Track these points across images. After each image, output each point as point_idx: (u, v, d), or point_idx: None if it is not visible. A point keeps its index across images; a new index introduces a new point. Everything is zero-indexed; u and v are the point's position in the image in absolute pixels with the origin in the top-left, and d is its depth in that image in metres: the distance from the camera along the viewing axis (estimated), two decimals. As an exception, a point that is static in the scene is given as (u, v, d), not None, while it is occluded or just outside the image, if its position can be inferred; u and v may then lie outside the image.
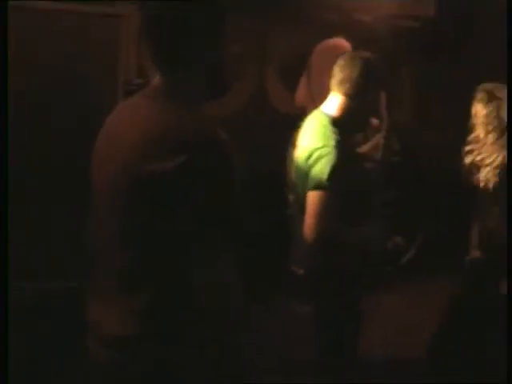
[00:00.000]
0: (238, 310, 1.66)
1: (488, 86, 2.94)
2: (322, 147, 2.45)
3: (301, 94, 3.75)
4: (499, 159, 2.88)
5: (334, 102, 2.60)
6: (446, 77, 4.77)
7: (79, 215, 1.86)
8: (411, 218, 3.88)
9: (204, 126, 1.56)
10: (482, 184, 2.94)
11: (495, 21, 4.75)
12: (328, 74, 2.65)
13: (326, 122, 2.56)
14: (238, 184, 1.58)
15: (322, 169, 2.42)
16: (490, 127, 2.89)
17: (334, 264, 2.60)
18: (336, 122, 2.55)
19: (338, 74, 2.60)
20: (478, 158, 2.95)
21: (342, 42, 3.50)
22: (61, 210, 3.36)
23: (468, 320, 2.98)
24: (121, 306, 1.56)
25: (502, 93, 2.87)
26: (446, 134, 3.07)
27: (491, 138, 2.90)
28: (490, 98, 2.88)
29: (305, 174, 2.49)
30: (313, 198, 2.43)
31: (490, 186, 2.92)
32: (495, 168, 2.89)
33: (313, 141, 2.52)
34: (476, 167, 2.97)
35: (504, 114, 2.85)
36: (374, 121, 3.02)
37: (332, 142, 2.46)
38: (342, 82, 2.57)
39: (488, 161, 2.90)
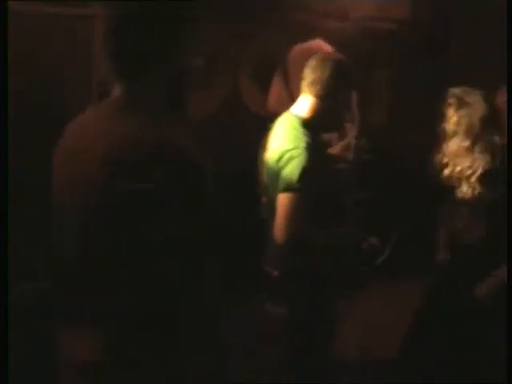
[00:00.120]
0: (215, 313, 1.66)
1: (457, 90, 2.89)
2: (293, 149, 2.45)
3: (274, 95, 3.75)
4: (477, 168, 2.82)
5: (304, 104, 2.61)
6: (422, 79, 4.80)
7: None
8: (385, 218, 3.90)
9: (169, 140, 1.52)
10: (463, 194, 2.87)
11: (471, 23, 4.81)
12: None
13: (296, 123, 2.56)
14: (211, 191, 1.57)
15: (292, 170, 2.42)
16: (463, 134, 2.84)
17: (306, 265, 2.61)
18: (307, 124, 2.56)
19: (309, 75, 2.61)
20: (457, 169, 2.88)
21: (321, 44, 3.51)
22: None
23: (438, 321, 2.99)
24: (92, 332, 1.53)
25: (472, 97, 2.83)
26: (420, 134, 3.08)
27: (465, 145, 2.84)
28: (460, 103, 2.84)
29: (276, 175, 2.49)
30: (283, 199, 2.43)
31: (463, 189, 2.88)
32: (477, 178, 2.82)
33: (283, 143, 2.53)
34: (456, 179, 2.89)
35: (476, 119, 2.81)
36: (346, 122, 3.04)
37: (302, 144, 2.46)
38: (312, 84, 2.58)
39: (468, 172, 2.83)
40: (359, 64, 2.86)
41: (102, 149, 1.49)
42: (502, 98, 3.70)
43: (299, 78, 2.69)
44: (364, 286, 3.34)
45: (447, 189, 2.92)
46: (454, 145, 2.87)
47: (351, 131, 3.27)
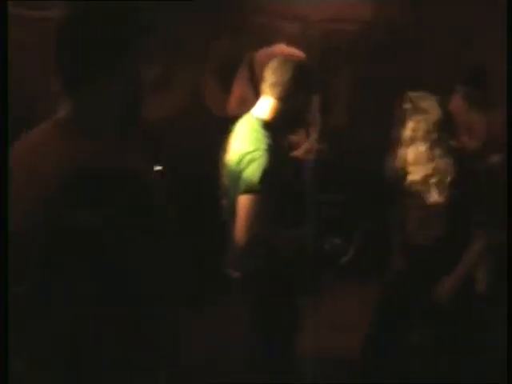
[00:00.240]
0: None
1: (413, 95, 2.88)
2: (254, 151, 2.45)
3: (236, 97, 3.76)
4: (438, 173, 2.84)
5: (265, 106, 2.61)
6: (382, 80, 4.85)
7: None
8: (349, 219, 3.92)
9: (120, 161, 1.47)
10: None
11: (431, 26, 4.88)
12: None
13: (257, 125, 2.56)
14: (164, 202, 1.54)
15: (253, 172, 2.42)
16: (421, 140, 2.85)
17: (268, 266, 2.61)
18: (267, 126, 2.56)
19: (269, 77, 2.61)
20: (418, 174, 2.89)
21: (284, 48, 3.54)
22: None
23: (396, 321, 3.02)
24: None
25: (427, 102, 2.84)
26: (380, 137, 3.10)
27: (424, 150, 2.86)
28: (416, 108, 2.84)
29: (236, 177, 2.49)
30: (244, 201, 2.43)
31: (418, 191, 2.89)
32: (438, 182, 2.84)
33: (244, 145, 2.52)
34: (417, 184, 2.91)
35: (432, 124, 2.81)
36: (307, 124, 3.05)
37: (263, 146, 2.46)
38: (273, 86, 2.58)
39: (430, 177, 2.85)
40: (320, 66, 2.87)
41: (53, 172, 1.41)
42: (456, 102, 3.77)
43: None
44: (327, 286, 3.35)
45: (405, 192, 2.95)
46: (413, 150, 2.88)
47: (312, 133, 3.29)
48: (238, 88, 3.80)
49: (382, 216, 3.20)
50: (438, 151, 2.83)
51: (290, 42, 3.64)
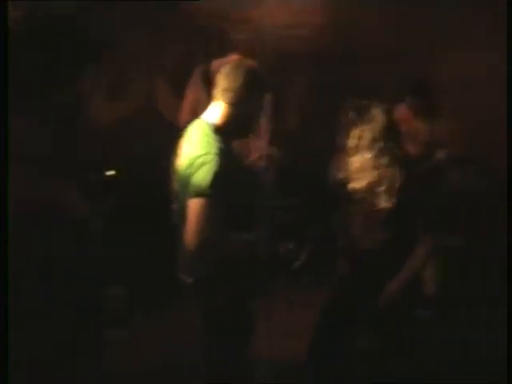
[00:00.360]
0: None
1: (359, 103, 2.90)
2: (204, 154, 2.45)
3: (189, 103, 3.77)
4: (384, 181, 2.86)
5: (216, 111, 2.62)
6: (334, 85, 4.90)
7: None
8: (302, 223, 3.96)
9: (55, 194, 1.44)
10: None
11: (382, 30, 4.97)
12: None
13: (208, 129, 2.56)
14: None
15: (203, 176, 2.42)
16: (366, 148, 2.87)
17: (221, 271, 2.61)
18: (218, 130, 2.57)
19: (221, 82, 2.62)
20: (364, 182, 2.91)
21: (237, 58, 3.56)
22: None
23: (339, 326, 3.03)
24: None
25: (373, 111, 2.86)
26: (334, 141, 3.14)
27: (369, 158, 2.87)
28: (362, 117, 2.86)
29: (187, 181, 2.49)
30: (194, 205, 2.43)
31: (364, 197, 2.91)
32: (385, 190, 2.86)
33: (195, 149, 2.52)
34: (363, 191, 2.92)
35: (377, 132, 2.84)
36: (258, 129, 3.06)
37: (214, 150, 2.47)
38: (225, 91, 2.59)
39: (381, 187, 2.87)
40: (273, 71, 2.89)
41: None
42: (402, 111, 3.85)
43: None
44: (280, 290, 3.38)
45: (350, 198, 2.96)
46: (359, 158, 2.90)
47: (264, 138, 3.31)
48: (191, 93, 3.81)
49: (329, 221, 3.23)
50: (383, 159, 2.86)
51: (242, 46, 3.67)
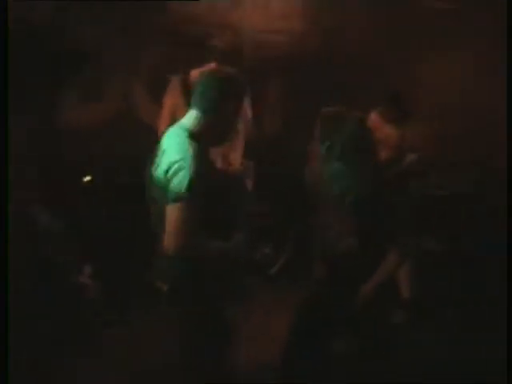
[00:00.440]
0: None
1: (332, 111, 2.93)
2: (181, 160, 2.47)
3: (169, 108, 3.79)
4: (354, 188, 2.88)
5: (192, 117, 2.64)
6: (312, 91, 4.93)
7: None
8: (278, 229, 3.98)
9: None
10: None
11: (360, 34, 5.02)
12: None
13: (184, 136, 2.58)
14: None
15: (180, 182, 2.44)
16: (338, 155, 2.88)
17: (197, 276, 2.62)
18: (195, 137, 2.58)
19: (197, 90, 2.64)
20: (334, 188, 2.92)
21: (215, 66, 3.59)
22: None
23: (315, 329, 3.06)
24: None
25: (345, 119, 2.88)
26: (305, 148, 3.18)
27: (341, 166, 2.89)
28: (334, 124, 2.89)
29: (164, 187, 2.50)
30: (171, 211, 2.44)
31: (336, 203, 2.94)
32: (354, 197, 2.88)
33: (172, 154, 2.53)
34: (334, 197, 2.93)
35: (349, 141, 2.87)
36: (235, 136, 3.09)
37: (190, 156, 2.48)
38: (201, 99, 2.62)
39: (351, 194, 2.89)
40: (251, 77, 2.92)
41: None
42: (374, 119, 3.89)
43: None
44: (257, 295, 3.39)
45: (323, 204, 3.00)
46: (330, 166, 2.93)
47: (241, 145, 3.33)
48: (170, 99, 3.82)
49: (305, 226, 3.26)
50: (354, 168, 2.89)
51: (220, 51, 3.69)
